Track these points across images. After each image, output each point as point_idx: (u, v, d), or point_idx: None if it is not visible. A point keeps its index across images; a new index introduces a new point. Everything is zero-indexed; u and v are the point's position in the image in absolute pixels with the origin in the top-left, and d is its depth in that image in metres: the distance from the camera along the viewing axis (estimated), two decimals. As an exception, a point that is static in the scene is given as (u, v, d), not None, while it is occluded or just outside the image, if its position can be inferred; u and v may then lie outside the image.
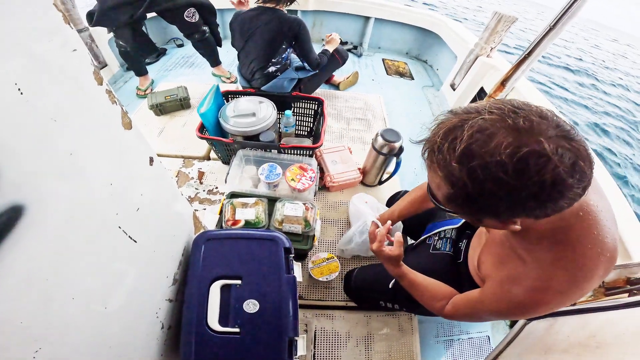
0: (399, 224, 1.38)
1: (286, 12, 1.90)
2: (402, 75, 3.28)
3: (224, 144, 1.56)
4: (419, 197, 1.20)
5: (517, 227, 0.59)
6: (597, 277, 0.62)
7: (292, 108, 1.88)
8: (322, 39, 3.66)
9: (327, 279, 1.36)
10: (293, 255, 1.01)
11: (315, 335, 1.29)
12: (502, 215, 0.57)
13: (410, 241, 1.60)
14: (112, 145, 0.59)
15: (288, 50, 1.98)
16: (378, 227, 1.04)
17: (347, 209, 1.63)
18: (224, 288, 0.90)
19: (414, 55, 3.75)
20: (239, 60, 2.12)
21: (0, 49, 0.36)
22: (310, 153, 1.61)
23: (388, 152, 1.55)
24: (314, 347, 1.27)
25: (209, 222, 1.33)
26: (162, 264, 0.85)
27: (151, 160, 0.73)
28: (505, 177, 0.49)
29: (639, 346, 0.78)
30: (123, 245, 0.64)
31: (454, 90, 2.69)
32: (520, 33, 11.15)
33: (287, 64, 2.03)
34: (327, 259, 1.41)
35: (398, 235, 0.95)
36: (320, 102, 1.81)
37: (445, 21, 3.22)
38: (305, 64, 2.05)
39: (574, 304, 0.97)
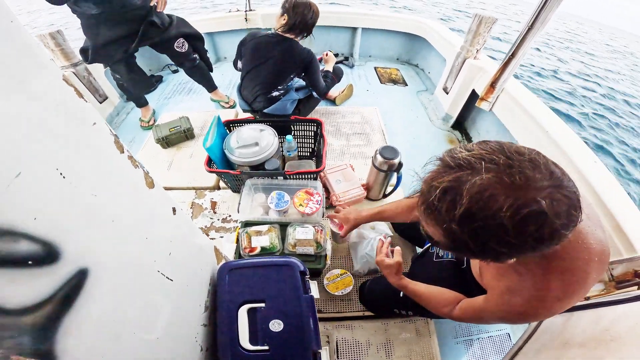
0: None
1: (300, 43, 1.97)
2: (395, 82, 3.33)
3: (232, 175, 1.64)
4: (405, 207, 1.28)
5: (512, 261, 0.63)
6: (591, 279, 0.67)
7: (292, 131, 1.95)
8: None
9: (342, 292, 1.44)
10: (308, 276, 1.09)
11: (337, 345, 1.36)
12: (500, 260, 0.61)
13: (418, 250, 1.67)
14: (142, 205, 0.67)
15: (294, 78, 2.05)
16: (383, 243, 1.17)
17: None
18: (250, 311, 0.99)
19: (405, 61, 3.80)
20: (241, 81, 2.17)
21: (36, 137, 0.41)
22: (315, 176, 1.68)
23: (387, 168, 1.62)
24: (337, 356, 1.34)
25: (228, 250, 1.42)
26: (194, 295, 0.94)
27: (174, 210, 0.81)
28: (506, 237, 0.52)
29: (652, 339, 0.81)
30: (163, 284, 0.73)
31: (447, 93, 2.73)
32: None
33: (289, 88, 2.10)
34: (341, 274, 1.50)
35: (397, 249, 1.10)
36: (318, 124, 1.88)
37: (430, 25, 3.25)
38: (314, 92, 2.16)
39: (588, 299, 1.04)
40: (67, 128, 0.47)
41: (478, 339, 1.49)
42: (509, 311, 0.76)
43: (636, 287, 1.03)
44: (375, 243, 1.47)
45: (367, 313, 1.45)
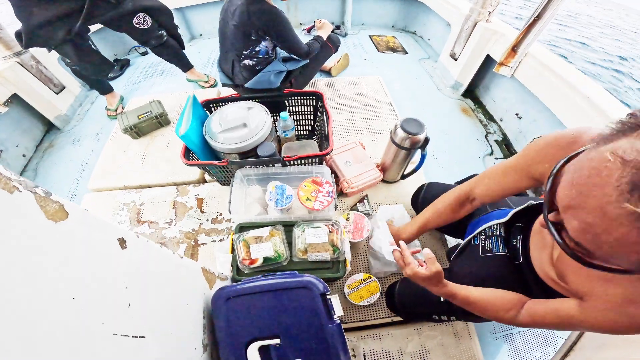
0: (415, 241, 1.26)
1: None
2: (394, 50, 3.04)
3: (217, 166, 1.31)
4: (447, 208, 1.05)
5: None
6: None
7: (288, 107, 1.62)
8: (301, 24, 3.40)
9: (368, 302, 1.22)
10: (330, 294, 0.88)
11: (365, 359, 1.16)
12: None
13: (449, 240, 1.40)
14: (46, 251, 0.39)
15: (263, 43, 1.70)
16: (400, 252, 0.92)
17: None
18: (262, 350, 0.80)
19: (401, 28, 3.51)
20: (220, 52, 1.87)
21: None
22: (319, 159, 1.36)
23: (411, 146, 1.31)
24: (367, 372, 1.14)
25: (223, 264, 1.14)
26: (184, 339, 0.74)
27: (122, 241, 0.54)
28: None
29: None
30: (131, 346, 0.52)
31: (456, 60, 2.47)
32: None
33: (269, 58, 1.77)
34: (364, 280, 1.25)
35: (427, 253, 0.86)
36: (318, 97, 1.54)
37: None
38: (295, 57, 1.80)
39: None
40: None
41: (519, 332, 1.35)
42: (627, 324, 0.59)
43: None
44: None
45: (396, 318, 1.24)
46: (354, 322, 1.23)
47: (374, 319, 1.23)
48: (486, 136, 2.20)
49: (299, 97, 1.59)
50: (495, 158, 2.06)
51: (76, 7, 1.74)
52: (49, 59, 2.35)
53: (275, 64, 1.77)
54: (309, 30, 3.22)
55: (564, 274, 0.71)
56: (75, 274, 0.43)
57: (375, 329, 1.23)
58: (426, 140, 1.30)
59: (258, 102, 1.51)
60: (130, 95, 2.58)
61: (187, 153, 1.35)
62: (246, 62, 1.72)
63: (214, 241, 1.40)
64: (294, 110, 1.66)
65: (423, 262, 0.86)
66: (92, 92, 2.68)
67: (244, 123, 1.33)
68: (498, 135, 2.23)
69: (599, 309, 0.63)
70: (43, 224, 0.39)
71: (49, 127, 2.45)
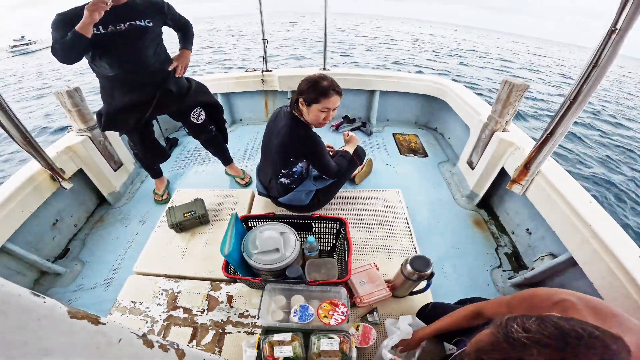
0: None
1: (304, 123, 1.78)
2: (415, 152, 3.24)
3: (252, 281, 1.55)
4: (463, 318, 1.25)
5: None
6: None
7: (313, 228, 1.85)
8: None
9: None
10: None
11: None
12: None
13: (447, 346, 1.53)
14: None
15: (299, 165, 1.92)
16: None
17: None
18: None
19: (423, 124, 3.74)
20: (260, 163, 2.12)
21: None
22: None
23: (417, 278, 1.50)
24: None
25: (249, 357, 1.36)
26: None
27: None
28: None
29: None
30: None
31: (473, 169, 2.61)
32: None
33: (303, 177, 1.99)
34: None
35: None
36: (342, 223, 1.77)
37: (451, 87, 3.18)
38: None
39: None
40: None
41: None
42: None
43: None
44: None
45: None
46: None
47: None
48: (496, 249, 2.28)
49: (324, 222, 1.82)
50: (504, 271, 2.13)
51: (150, 97, 2.04)
52: (114, 135, 2.66)
53: (307, 183, 1.97)
54: (337, 127, 3.51)
55: None
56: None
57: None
58: (431, 274, 1.49)
59: (288, 222, 1.74)
60: (175, 179, 2.90)
61: (227, 266, 1.57)
62: (282, 180, 1.94)
63: (239, 332, 1.57)
64: (319, 231, 1.87)
65: None
66: (143, 170, 2.99)
67: (276, 248, 1.57)
68: (508, 248, 2.30)
69: None
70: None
71: (101, 200, 2.73)
